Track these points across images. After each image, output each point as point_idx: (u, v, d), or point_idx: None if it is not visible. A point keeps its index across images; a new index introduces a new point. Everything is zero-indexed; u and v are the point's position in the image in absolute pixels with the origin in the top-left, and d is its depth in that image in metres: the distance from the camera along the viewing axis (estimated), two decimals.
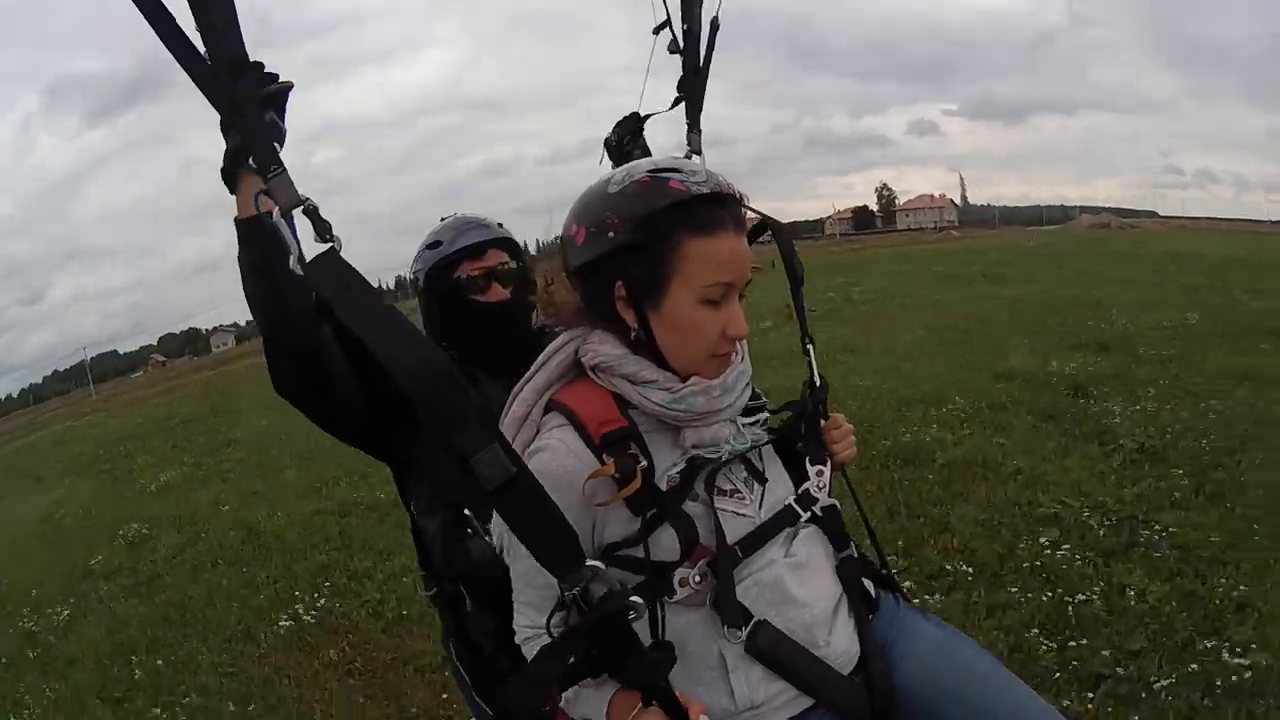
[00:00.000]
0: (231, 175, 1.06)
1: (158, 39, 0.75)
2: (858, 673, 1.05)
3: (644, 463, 0.97)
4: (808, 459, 1.13)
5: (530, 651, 1.02)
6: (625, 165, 1.05)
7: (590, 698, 0.96)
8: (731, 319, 1.00)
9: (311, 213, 0.77)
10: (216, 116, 0.84)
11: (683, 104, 1.44)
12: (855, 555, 1.13)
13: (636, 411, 1.01)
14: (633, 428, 0.99)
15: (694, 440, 1.01)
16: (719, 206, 0.99)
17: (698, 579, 0.99)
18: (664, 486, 0.99)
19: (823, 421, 1.19)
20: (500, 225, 1.59)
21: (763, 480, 1.07)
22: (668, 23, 1.39)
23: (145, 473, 9.07)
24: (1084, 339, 7.45)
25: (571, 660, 0.84)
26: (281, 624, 3.77)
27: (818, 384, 1.21)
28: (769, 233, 1.20)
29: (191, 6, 0.73)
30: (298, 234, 0.80)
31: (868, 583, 1.15)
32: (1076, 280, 12.62)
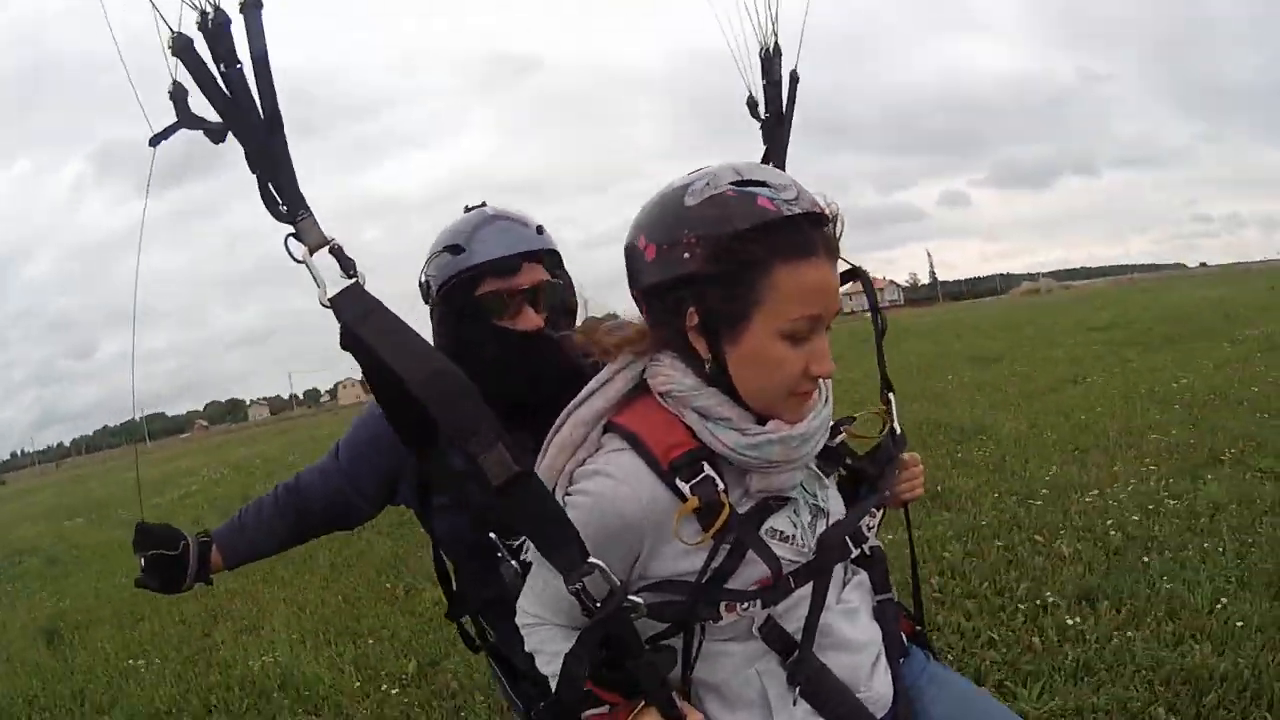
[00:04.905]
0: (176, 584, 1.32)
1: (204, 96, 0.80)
2: (889, 716, 1.03)
3: (722, 485, 0.89)
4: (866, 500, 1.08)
5: (528, 636, 1.00)
6: (703, 170, 0.91)
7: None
8: (817, 355, 0.90)
9: (337, 252, 0.82)
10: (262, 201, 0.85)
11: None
12: (895, 599, 1.10)
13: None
14: (704, 449, 0.91)
15: (760, 485, 0.92)
16: (811, 227, 0.88)
17: (744, 607, 0.92)
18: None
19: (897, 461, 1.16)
20: (540, 229, 1.30)
21: (825, 516, 1.01)
22: (751, 97, 1.35)
23: None
24: None
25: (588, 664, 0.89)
26: None
27: (898, 433, 1.16)
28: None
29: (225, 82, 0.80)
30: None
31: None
32: None
